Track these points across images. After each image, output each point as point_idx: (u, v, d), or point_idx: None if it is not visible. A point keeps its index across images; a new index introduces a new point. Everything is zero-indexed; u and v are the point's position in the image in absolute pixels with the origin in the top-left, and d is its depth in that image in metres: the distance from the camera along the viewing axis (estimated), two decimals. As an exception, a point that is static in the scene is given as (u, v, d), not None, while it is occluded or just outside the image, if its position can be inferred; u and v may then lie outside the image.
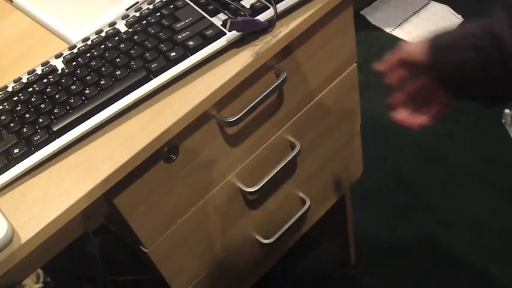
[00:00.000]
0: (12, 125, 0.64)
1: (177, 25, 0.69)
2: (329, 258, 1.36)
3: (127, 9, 0.77)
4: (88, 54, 0.69)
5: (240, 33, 0.68)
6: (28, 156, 0.61)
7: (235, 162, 0.79)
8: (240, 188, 0.82)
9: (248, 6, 0.70)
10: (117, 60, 0.67)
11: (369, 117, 1.52)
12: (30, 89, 0.67)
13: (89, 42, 0.71)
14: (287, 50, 0.75)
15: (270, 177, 0.82)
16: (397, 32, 1.77)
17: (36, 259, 0.62)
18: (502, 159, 1.42)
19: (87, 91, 0.65)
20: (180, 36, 0.67)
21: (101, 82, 0.65)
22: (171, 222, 0.75)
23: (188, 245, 0.80)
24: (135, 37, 0.69)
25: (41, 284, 1.18)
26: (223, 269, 0.90)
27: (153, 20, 0.71)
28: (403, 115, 0.69)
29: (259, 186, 0.81)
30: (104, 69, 0.67)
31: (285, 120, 0.83)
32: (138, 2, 0.78)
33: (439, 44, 0.62)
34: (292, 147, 0.86)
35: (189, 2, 0.72)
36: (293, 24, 0.71)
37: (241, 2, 0.71)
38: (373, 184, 1.48)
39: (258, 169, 0.83)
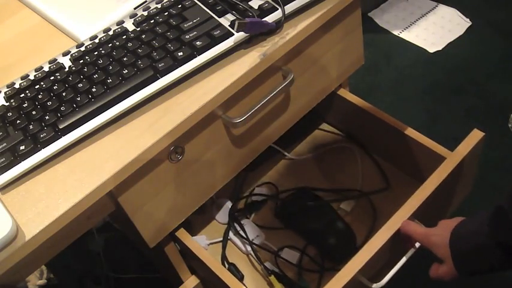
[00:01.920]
0: (18, 121, 0.64)
1: (185, 25, 0.69)
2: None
3: (135, 8, 0.77)
4: (95, 53, 0.69)
5: (247, 34, 0.68)
6: (34, 153, 0.61)
7: (240, 163, 0.79)
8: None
9: (256, 7, 0.70)
10: (125, 59, 0.67)
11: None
12: (37, 86, 0.67)
13: (96, 41, 0.71)
14: (294, 52, 0.74)
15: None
16: (404, 35, 1.76)
17: (40, 256, 0.62)
18: (509, 164, 1.41)
19: (93, 89, 0.65)
20: (187, 36, 0.67)
21: (108, 81, 0.65)
22: (175, 222, 0.76)
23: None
24: (143, 36, 0.69)
25: (44, 280, 1.18)
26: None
27: (160, 20, 0.71)
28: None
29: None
30: (111, 67, 0.67)
31: (291, 122, 0.83)
32: (146, 1, 0.78)
33: (462, 254, 0.63)
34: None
35: (197, 2, 0.72)
36: (301, 26, 0.70)
37: (249, 3, 0.70)
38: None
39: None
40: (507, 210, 0.55)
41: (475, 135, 0.83)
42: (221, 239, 0.95)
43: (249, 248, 0.92)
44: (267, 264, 0.91)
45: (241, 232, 0.93)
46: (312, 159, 1.04)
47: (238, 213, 0.97)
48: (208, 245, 0.95)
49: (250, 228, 0.94)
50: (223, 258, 0.92)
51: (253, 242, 0.93)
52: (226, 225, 0.96)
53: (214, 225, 0.98)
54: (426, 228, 0.71)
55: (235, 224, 0.95)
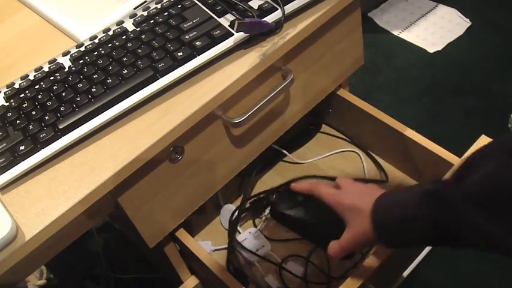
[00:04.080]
0: (18, 122, 0.64)
1: (185, 25, 0.69)
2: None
3: (135, 8, 0.77)
4: (95, 53, 0.69)
5: (247, 34, 0.68)
6: (34, 153, 0.61)
7: (240, 163, 0.79)
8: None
9: (256, 7, 0.70)
10: (124, 59, 0.67)
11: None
12: (37, 86, 0.67)
13: (96, 41, 0.71)
14: (294, 52, 0.74)
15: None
16: (404, 35, 1.76)
17: (40, 256, 0.62)
18: (508, 164, 1.41)
19: (93, 89, 0.65)
20: (187, 36, 0.67)
21: (108, 81, 0.65)
22: (175, 222, 0.75)
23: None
24: (143, 36, 0.69)
25: (44, 281, 1.18)
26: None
27: (160, 20, 0.71)
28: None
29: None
30: (110, 67, 0.67)
31: (291, 122, 0.83)
32: (146, 1, 0.78)
33: (384, 224, 0.61)
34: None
35: (197, 2, 0.72)
36: (301, 26, 0.70)
37: (249, 3, 0.71)
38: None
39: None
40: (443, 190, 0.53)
41: (483, 141, 0.81)
42: (226, 245, 0.93)
43: (252, 259, 0.90)
44: (272, 276, 0.89)
45: (243, 243, 0.91)
46: (318, 163, 1.03)
47: (242, 222, 0.96)
48: (214, 251, 0.94)
49: (254, 238, 0.93)
50: (228, 263, 0.91)
51: (257, 252, 0.91)
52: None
53: (220, 231, 0.97)
54: (337, 190, 0.70)
55: (237, 238, 0.93)
